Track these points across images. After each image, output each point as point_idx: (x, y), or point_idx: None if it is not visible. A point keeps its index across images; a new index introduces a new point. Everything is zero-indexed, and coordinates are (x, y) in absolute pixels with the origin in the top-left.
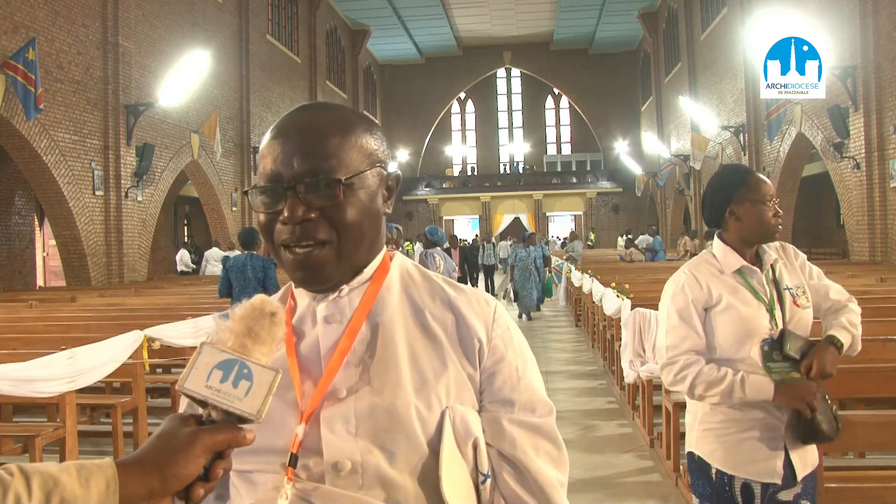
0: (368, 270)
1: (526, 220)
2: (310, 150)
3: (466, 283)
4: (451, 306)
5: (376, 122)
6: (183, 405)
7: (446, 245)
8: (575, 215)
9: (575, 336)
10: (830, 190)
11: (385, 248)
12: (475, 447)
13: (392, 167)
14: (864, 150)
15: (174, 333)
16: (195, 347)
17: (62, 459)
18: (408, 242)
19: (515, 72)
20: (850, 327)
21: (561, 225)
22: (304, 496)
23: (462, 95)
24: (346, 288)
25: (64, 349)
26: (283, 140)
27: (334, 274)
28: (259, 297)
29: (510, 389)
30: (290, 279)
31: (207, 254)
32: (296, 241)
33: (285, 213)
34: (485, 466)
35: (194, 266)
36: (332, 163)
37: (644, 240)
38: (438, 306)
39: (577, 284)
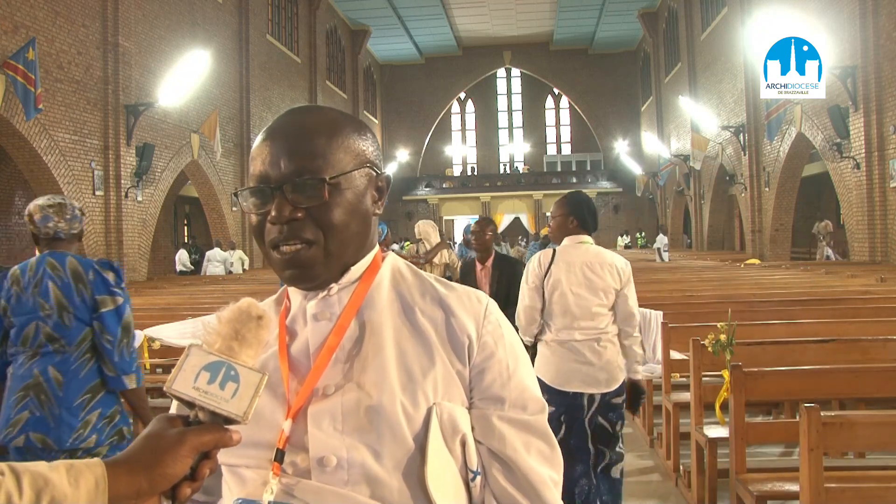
0: (358, 269)
1: (526, 220)
2: (297, 151)
3: None
4: (441, 304)
5: (366, 124)
6: (174, 407)
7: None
8: None
9: None
10: (830, 190)
11: (377, 247)
12: (463, 443)
13: (391, 167)
14: (864, 150)
15: (174, 333)
16: None
17: None
18: (407, 242)
19: (515, 72)
20: None
21: None
22: (289, 491)
23: (462, 95)
24: (335, 286)
25: None
26: (271, 142)
27: (322, 272)
28: (246, 301)
29: (500, 386)
30: (280, 278)
31: (209, 254)
32: (283, 241)
33: (273, 213)
34: (474, 463)
35: (192, 266)
36: (319, 163)
37: (661, 240)
38: (428, 304)
39: None
